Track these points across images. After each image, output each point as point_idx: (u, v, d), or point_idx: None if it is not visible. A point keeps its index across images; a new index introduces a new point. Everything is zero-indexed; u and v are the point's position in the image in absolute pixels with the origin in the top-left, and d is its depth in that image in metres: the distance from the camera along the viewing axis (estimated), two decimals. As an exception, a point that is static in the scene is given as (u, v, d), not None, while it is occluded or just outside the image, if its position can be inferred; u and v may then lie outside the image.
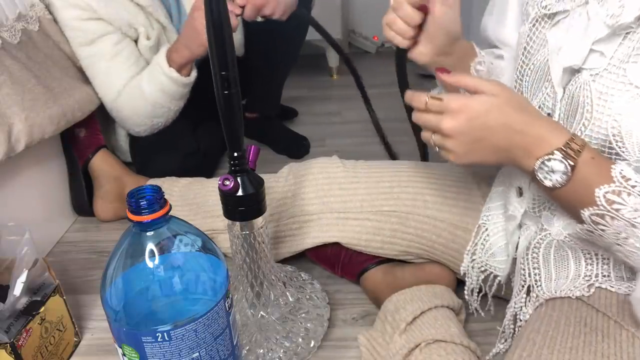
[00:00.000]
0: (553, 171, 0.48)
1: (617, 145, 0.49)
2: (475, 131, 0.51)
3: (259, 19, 0.93)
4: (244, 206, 0.65)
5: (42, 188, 1.02)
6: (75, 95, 1.00)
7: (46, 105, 0.92)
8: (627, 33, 0.48)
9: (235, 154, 0.63)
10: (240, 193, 0.64)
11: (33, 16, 0.98)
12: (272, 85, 1.37)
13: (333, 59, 1.91)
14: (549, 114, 0.57)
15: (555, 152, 0.48)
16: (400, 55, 0.67)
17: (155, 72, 1.00)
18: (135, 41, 1.05)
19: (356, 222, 0.80)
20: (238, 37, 1.18)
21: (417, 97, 0.55)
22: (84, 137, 1.09)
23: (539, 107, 0.58)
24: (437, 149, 0.54)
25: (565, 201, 0.51)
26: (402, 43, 0.63)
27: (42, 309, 0.69)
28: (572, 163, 0.48)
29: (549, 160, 0.48)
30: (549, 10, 0.56)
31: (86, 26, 1.00)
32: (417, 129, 0.59)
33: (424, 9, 0.60)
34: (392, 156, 1.16)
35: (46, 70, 0.95)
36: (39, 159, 1.01)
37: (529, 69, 0.59)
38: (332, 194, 0.83)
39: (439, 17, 0.59)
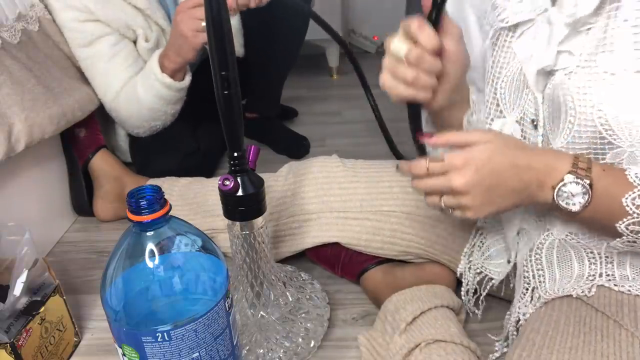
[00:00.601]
0: (573, 195, 0.49)
1: (607, 134, 0.49)
2: (486, 180, 0.50)
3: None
4: (244, 206, 0.65)
5: (42, 188, 1.02)
6: (75, 95, 1.00)
7: (46, 105, 0.92)
8: (588, 29, 0.49)
9: (235, 154, 0.64)
10: (240, 193, 0.64)
11: (33, 16, 0.98)
12: (272, 85, 1.37)
13: (333, 58, 1.91)
14: (533, 120, 0.57)
15: (567, 175, 0.48)
16: (416, 110, 0.59)
17: (149, 78, 1.00)
18: (135, 42, 1.05)
19: (356, 222, 0.80)
20: (238, 38, 1.18)
21: (415, 166, 0.54)
22: (84, 137, 1.09)
23: (522, 115, 0.57)
24: (451, 210, 0.53)
25: (597, 221, 0.51)
26: (428, 96, 0.56)
27: (42, 309, 0.69)
28: (587, 181, 0.48)
29: (564, 185, 0.49)
30: (507, 22, 0.56)
31: (84, 27, 1.00)
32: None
33: (439, 52, 0.54)
34: (398, 156, 1.14)
35: (46, 70, 0.95)
36: (39, 159, 1.01)
37: (502, 81, 0.58)
38: (331, 193, 0.83)
39: (454, 53, 0.55)
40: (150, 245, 0.50)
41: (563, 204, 0.49)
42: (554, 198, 0.49)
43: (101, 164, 1.09)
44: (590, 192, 0.48)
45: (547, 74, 0.53)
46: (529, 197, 0.51)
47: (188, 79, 1.02)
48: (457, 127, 0.64)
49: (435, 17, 0.52)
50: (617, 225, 0.48)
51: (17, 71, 0.88)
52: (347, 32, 2.11)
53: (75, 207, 1.12)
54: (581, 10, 0.49)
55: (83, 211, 1.11)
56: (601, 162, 0.51)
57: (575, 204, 0.49)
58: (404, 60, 0.53)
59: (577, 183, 0.48)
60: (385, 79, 0.55)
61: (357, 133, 1.45)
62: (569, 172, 0.48)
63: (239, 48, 1.19)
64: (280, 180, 0.87)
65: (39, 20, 0.99)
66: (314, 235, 0.83)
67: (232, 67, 0.58)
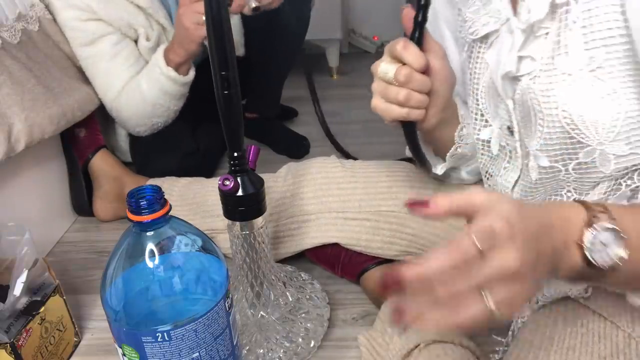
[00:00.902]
0: (606, 243, 0.38)
1: (575, 133, 0.49)
2: (532, 251, 0.34)
3: (253, 6, 0.91)
4: (244, 206, 0.65)
5: (42, 188, 1.02)
6: (75, 95, 1.00)
7: (46, 105, 0.92)
8: (546, 34, 0.50)
9: (235, 154, 0.64)
10: (240, 193, 0.64)
11: (33, 16, 0.98)
12: (272, 85, 1.37)
13: (333, 58, 1.91)
14: (508, 127, 0.57)
15: (589, 224, 0.38)
16: (411, 129, 0.60)
17: (154, 71, 1.00)
18: (136, 41, 1.06)
19: (355, 222, 0.81)
20: (238, 37, 1.18)
21: (460, 246, 0.34)
22: (83, 137, 1.09)
23: (501, 125, 0.58)
24: (498, 309, 0.33)
25: None
26: (420, 114, 0.56)
27: (42, 309, 0.69)
28: (612, 221, 0.39)
29: (593, 235, 0.38)
30: (476, 35, 0.57)
31: (86, 27, 1.00)
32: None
33: (427, 71, 0.55)
34: (347, 156, 1.15)
35: (46, 70, 0.95)
36: (39, 159, 1.01)
37: (481, 91, 0.59)
38: (330, 194, 0.83)
39: (441, 70, 0.56)
40: (150, 245, 0.50)
41: (599, 258, 0.38)
42: (586, 254, 0.38)
43: (101, 164, 1.09)
44: (622, 234, 0.38)
45: (514, 80, 0.54)
46: (556, 263, 0.38)
47: (192, 73, 1.02)
48: (450, 143, 0.65)
49: (418, 36, 0.53)
50: None
51: (17, 71, 0.88)
52: (347, 32, 2.11)
53: (75, 207, 1.12)
54: (534, 16, 0.49)
55: (83, 211, 1.11)
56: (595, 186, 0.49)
57: (616, 252, 0.38)
58: (393, 81, 0.54)
59: (604, 228, 0.38)
60: (377, 103, 0.56)
61: (357, 133, 1.45)
62: (588, 220, 0.39)
63: (239, 47, 1.19)
64: (279, 181, 0.88)
65: (39, 20, 0.99)
66: (313, 236, 0.83)
67: (232, 67, 0.58)
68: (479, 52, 0.59)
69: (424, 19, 0.53)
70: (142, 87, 1.02)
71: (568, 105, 0.48)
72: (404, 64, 0.54)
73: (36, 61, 0.94)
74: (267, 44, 1.21)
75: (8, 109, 0.85)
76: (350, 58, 2.06)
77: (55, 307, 0.72)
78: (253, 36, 1.19)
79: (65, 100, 0.97)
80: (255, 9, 0.91)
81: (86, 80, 1.06)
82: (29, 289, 0.70)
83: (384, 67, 0.55)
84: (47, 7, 1.01)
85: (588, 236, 0.38)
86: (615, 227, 0.38)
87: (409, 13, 0.53)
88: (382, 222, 0.79)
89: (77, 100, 1.00)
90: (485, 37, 0.57)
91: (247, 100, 1.37)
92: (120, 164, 1.12)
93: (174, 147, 1.13)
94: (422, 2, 0.52)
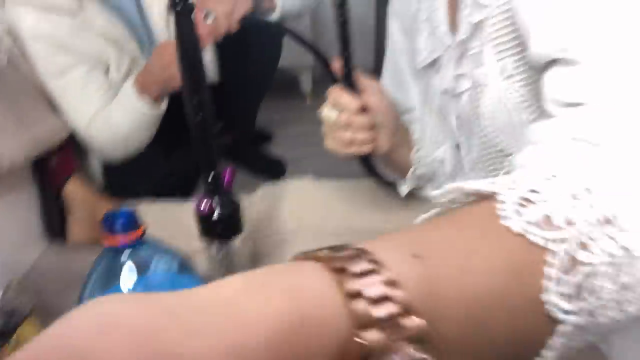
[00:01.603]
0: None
1: (499, 140, 0.53)
2: None
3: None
4: (220, 227, 0.66)
5: (15, 213, 1.00)
6: (47, 124, 0.99)
7: (17, 133, 0.91)
8: (474, 52, 0.55)
9: (210, 176, 0.64)
10: (216, 215, 0.64)
11: (1, 50, 0.98)
12: (247, 109, 1.39)
13: (306, 83, 1.95)
14: (457, 144, 0.62)
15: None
16: (367, 160, 0.68)
17: (126, 103, 1.01)
18: (106, 73, 1.06)
19: (333, 240, 0.82)
20: (212, 64, 1.20)
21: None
22: (56, 162, 1.08)
23: (452, 143, 0.65)
24: None
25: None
26: (369, 148, 0.63)
27: (15, 334, 0.67)
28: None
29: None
30: (426, 62, 0.63)
31: (55, 59, 1.00)
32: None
33: (365, 108, 0.61)
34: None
35: (16, 102, 0.95)
36: (11, 185, 0.99)
37: (435, 113, 0.65)
38: (307, 213, 0.84)
39: (378, 105, 0.61)
40: (126, 268, 0.50)
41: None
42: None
43: (74, 189, 1.08)
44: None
45: (454, 98, 0.59)
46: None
47: (165, 103, 1.03)
48: (408, 165, 0.69)
49: (351, 81, 0.60)
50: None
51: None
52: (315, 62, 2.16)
53: (49, 232, 1.10)
54: (460, 36, 0.55)
55: (57, 236, 1.09)
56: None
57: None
58: (338, 124, 0.60)
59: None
60: (329, 143, 0.64)
61: (333, 154, 1.47)
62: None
63: (213, 74, 1.21)
64: (256, 201, 0.88)
65: (7, 53, 0.99)
66: (291, 255, 0.84)
67: (204, 91, 0.59)
68: (429, 77, 0.64)
69: (349, 68, 0.59)
70: (113, 118, 1.03)
71: (493, 112, 0.52)
72: None
73: (5, 93, 0.94)
74: (241, 70, 1.23)
75: (-22, 137, 0.84)
76: (326, 81, 2.10)
77: (29, 331, 0.70)
78: (227, 63, 1.21)
79: (37, 129, 0.96)
80: (208, 14, 0.92)
81: (58, 109, 1.06)
82: (2, 314, 0.68)
83: (327, 113, 0.61)
84: (14, 40, 1.01)
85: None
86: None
87: (338, 62, 0.60)
88: (363, 240, 0.81)
89: (49, 129, 1.00)
90: (433, 62, 0.62)
91: (222, 124, 1.38)
92: (94, 189, 1.11)
93: (148, 171, 1.13)
94: (346, 55, 0.58)
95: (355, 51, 0.62)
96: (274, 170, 1.36)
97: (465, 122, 0.57)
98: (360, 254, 0.21)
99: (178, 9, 0.54)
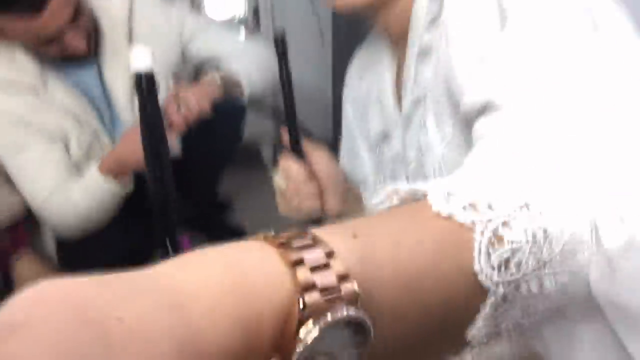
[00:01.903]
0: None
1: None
2: None
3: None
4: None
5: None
6: (3, 202, 0.97)
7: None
8: (417, 124, 0.61)
9: (169, 245, 0.65)
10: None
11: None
12: (208, 180, 1.41)
13: (267, 152, 2.00)
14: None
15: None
16: (317, 223, 0.71)
17: (90, 185, 1.00)
18: (67, 146, 1.05)
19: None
20: (175, 140, 1.22)
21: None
22: (8, 240, 1.05)
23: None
24: None
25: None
26: (319, 212, 0.67)
27: None
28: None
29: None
30: (378, 136, 0.68)
31: (13, 135, 0.99)
32: None
33: (313, 175, 0.65)
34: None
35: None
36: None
37: (387, 181, 0.69)
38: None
39: (324, 171, 0.65)
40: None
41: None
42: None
43: (25, 267, 1.04)
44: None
45: (404, 164, 0.64)
46: None
47: (131, 183, 1.03)
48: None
49: (296, 148, 0.65)
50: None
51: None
52: (278, 129, 2.22)
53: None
54: (404, 110, 0.61)
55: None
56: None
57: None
58: (287, 192, 0.65)
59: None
60: (281, 209, 0.68)
61: (289, 220, 1.48)
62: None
63: (176, 149, 1.22)
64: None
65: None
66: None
67: (167, 166, 0.61)
68: (381, 149, 0.68)
69: (297, 137, 0.65)
70: (73, 198, 1.01)
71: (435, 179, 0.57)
72: None
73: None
74: (204, 146, 1.26)
75: None
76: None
77: None
78: (190, 139, 1.24)
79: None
80: (180, 106, 0.96)
81: (14, 186, 1.04)
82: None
83: (278, 181, 0.66)
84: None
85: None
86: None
87: (283, 134, 0.65)
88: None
89: (4, 207, 0.97)
90: (384, 136, 0.67)
91: (182, 195, 1.39)
92: (46, 267, 1.07)
93: (103, 247, 1.10)
94: (292, 124, 0.64)
95: (314, 122, 0.67)
96: (233, 239, 1.36)
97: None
98: (303, 233, 0.23)
99: (143, 92, 0.56)
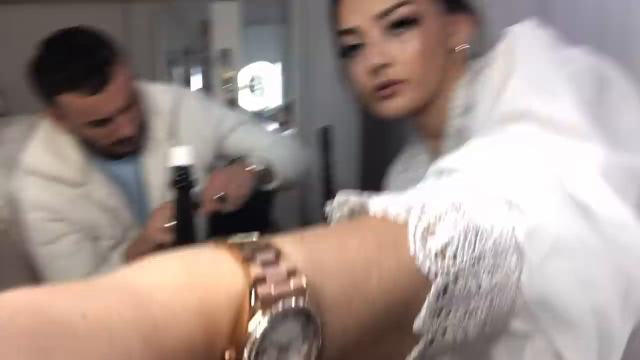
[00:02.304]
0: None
1: None
2: None
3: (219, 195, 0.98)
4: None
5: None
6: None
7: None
8: None
9: None
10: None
11: (-2, 218, 1.00)
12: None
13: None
14: None
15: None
16: None
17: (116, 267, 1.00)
18: (96, 239, 1.06)
19: None
20: (203, 230, 1.22)
21: None
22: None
23: None
24: None
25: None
26: None
27: None
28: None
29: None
30: None
31: (48, 226, 1.01)
32: None
33: None
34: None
35: (0, 270, 0.94)
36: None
37: None
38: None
39: None
40: None
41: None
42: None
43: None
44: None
45: None
46: None
47: None
48: None
49: None
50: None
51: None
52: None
53: None
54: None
55: None
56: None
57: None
58: None
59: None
60: None
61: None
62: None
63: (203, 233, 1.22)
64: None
65: (2, 221, 1.00)
66: None
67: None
68: None
69: None
70: None
71: None
72: None
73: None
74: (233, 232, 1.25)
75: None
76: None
77: None
78: (217, 229, 1.24)
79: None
80: (222, 197, 0.97)
81: (38, 280, 1.03)
82: None
83: None
84: (13, 209, 1.04)
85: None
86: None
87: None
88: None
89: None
90: None
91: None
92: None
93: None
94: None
95: None
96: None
97: None
98: (252, 237, 0.25)
99: (179, 186, 0.57)
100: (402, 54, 0.60)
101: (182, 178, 0.60)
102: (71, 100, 0.89)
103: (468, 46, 0.63)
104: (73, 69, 0.88)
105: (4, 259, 0.97)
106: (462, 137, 0.57)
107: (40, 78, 0.90)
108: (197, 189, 0.74)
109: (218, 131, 1.14)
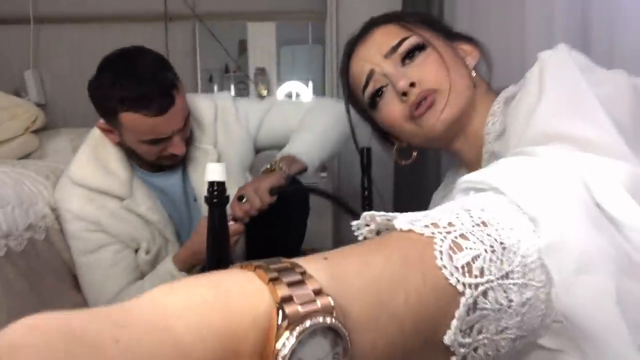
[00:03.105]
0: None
1: None
2: None
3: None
4: None
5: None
6: (65, 302, 0.99)
7: (34, 311, 0.88)
8: None
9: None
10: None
11: (42, 226, 1.03)
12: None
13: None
14: None
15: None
16: None
17: (162, 277, 1.02)
18: (136, 251, 1.09)
19: None
20: (239, 247, 1.22)
21: None
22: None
23: None
24: None
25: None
26: None
27: None
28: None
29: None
30: None
31: (90, 236, 1.04)
32: None
33: None
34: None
35: (42, 278, 0.96)
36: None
37: None
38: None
39: None
40: None
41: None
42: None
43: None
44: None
45: None
46: None
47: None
48: None
49: None
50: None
51: (13, 279, 0.89)
52: (337, 243, 2.21)
53: None
54: None
55: None
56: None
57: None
58: None
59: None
60: None
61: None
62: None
63: (240, 258, 1.22)
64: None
65: (46, 230, 1.04)
66: None
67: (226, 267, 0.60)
68: None
69: None
70: (145, 288, 1.03)
71: None
72: None
73: (34, 269, 0.96)
74: (266, 254, 1.24)
75: (-6, 317, 0.83)
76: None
77: None
78: (253, 246, 1.24)
79: (54, 309, 0.95)
80: (240, 197, 0.97)
81: (78, 288, 1.06)
82: None
83: None
84: (57, 218, 1.07)
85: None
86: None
87: None
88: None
89: (66, 308, 0.99)
90: None
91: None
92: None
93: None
94: None
95: None
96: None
97: None
98: (279, 260, 0.25)
99: (214, 202, 0.57)
100: (423, 71, 0.61)
101: (216, 194, 0.61)
102: (135, 118, 0.92)
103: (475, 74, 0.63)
104: (144, 88, 0.91)
105: (48, 267, 1.00)
106: (497, 157, 0.57)
107: (106, 94, 0.93)
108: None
109: (248, 132, 1.17)
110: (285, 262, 0.25)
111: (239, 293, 0.22)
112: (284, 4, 2.16)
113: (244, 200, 0.95)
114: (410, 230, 0.29)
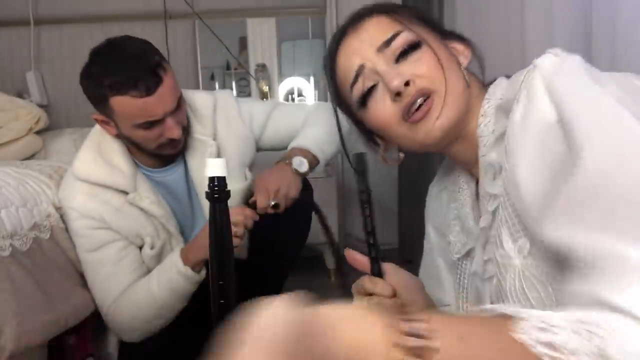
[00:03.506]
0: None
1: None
2: None
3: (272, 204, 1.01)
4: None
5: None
6: (72, 301, 0.99)
7: (41, 311, 0.90)
8: (495, 236, 0.58)
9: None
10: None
11: (47, 225, 1.03)
12: (271, 287, 1.37)
13: (330, 261, 1.96)
14: None
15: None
16: None
17: (169, 271, 1.02)
18: (140, 248, 1.09)
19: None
20: (243, 242, 1.22)
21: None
22: (73, 344, 1.05)
23: None
24: None
25: None
26: None
27: None
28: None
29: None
30: (460, 254, 0.67)
31: (94, 234, 1.05)
32: None
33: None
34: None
35: (48, 276, 0.97)
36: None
37: (469, 292, 0.67)
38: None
39: (400, 284, 0.64)
40: None
41: None
42: None
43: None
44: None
45: (486, 281, 0.61)
46: None
47: (204, 272, 1.04)
48: None
49: (378, 270, 0.64)
50: None
51: (19, 278, 0.89)
52: (343, 236, 2.21)
53: None
54: (481, 223, 0.60)
55: None
56: None
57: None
58: None
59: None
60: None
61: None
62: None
63: (243, 251, 1.22)
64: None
65: (51, 229, 1.04)
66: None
67: (231, 277, 0.60)
68: (464, 267, 0.67)
69: (377, 257, 0.64)
70: (151, 287, 1.02)
71: (515, 293, 0.53)
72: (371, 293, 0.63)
73: (40, 267, 0.96)
74: (270, 248, 1.25)
75: (2, 315, 0.83)
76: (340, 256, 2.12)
77: None
78: (257, 240, 1.24)
79: (61, 307, 0.96)
80: (275, 205, 1.00)
81: (85, 285, 1.07)
82: None
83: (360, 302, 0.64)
84: (62, 216, 1.08)
85: None
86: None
87: (353, 255, 0.66)
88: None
89: (73, 305, 0.99)
90: (467, 253, 0.66)
91: (247, 296, 1.35)
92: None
93: (164, 354, 1.08)
94: (374, 244, 0.65)
95: (379, 232, 0.65)
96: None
97: (497, 302, 0.58)
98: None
99: (214, 197, 0.58)
100: (418, 69, 0.58)
101: (217, 189, 0.61)
102: (125, 101, 0.93)
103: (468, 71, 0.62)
104: (130, 70, 0.92)
105: (53, 266, 1.00)
106: (497, 171, 0.57)
107: (95, 82, 0.95)
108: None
109: (252, 131, 1.17)
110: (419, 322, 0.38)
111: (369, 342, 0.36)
112: (284, 0, 2.16)
113: (275, 205, 0.99)
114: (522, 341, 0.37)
